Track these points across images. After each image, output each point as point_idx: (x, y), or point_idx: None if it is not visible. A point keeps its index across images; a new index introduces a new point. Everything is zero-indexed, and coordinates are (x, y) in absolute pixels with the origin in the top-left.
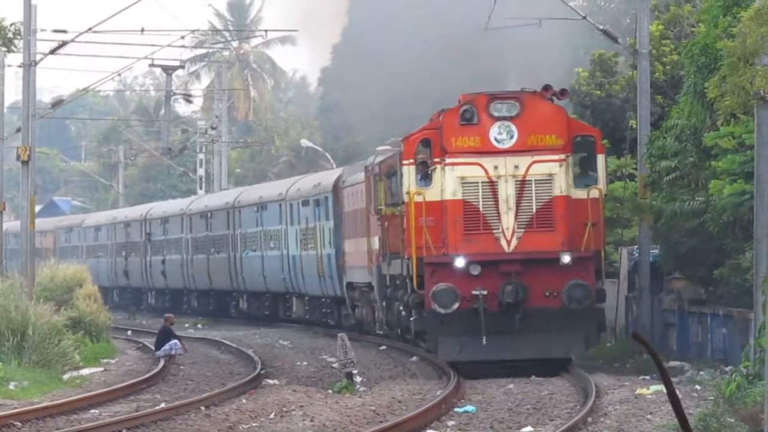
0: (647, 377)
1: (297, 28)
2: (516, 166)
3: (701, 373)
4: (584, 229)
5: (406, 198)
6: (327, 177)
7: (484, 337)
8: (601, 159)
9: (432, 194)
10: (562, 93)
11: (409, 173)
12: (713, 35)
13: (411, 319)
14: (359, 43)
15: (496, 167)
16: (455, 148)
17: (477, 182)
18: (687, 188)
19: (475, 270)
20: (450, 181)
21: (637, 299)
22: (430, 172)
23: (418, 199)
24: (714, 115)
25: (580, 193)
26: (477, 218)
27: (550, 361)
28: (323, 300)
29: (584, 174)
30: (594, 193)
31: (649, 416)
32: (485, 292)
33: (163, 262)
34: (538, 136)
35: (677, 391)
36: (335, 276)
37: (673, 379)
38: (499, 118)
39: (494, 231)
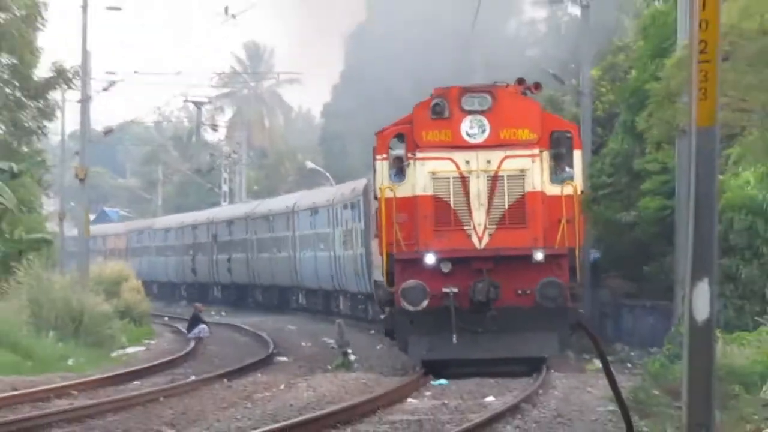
0: (588, 357)
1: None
2: (488, 161)
3: (632, 354)
4: (559, 225)
5: (378, 194)
6: (361, 182)
7: (455, 336)
8: (578, 155)
9: (404, 190)
10: (536, 87)
11: (382, 168)
12: (642, 79)
13: (381, 316)
14: (354, 83)
15: (467, 162)
16: (426, 142)
17: (448, 177)
18: (621, 203)
19: (446, 267)
20: (421, 177)
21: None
22: (404, 167)
23: (389, 194)
24: (642, 143)
25: (555, 189)
26: (448, 214)
27: (523, 361)
28: (359, 296)
29: (561, 170)
30: (568, 189)
31: (589, 389)
32: (456, 290)
33: (229, 260)
34: (511, 131)
35: (612, 369)
36: (366, 274)
37: (609, 358)
38: (470, 112)
39: (465, 227)
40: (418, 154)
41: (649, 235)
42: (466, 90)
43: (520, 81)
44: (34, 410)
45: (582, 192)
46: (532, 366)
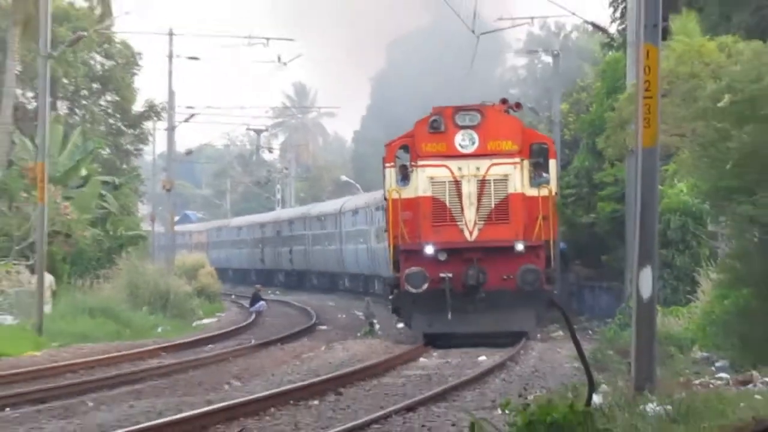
0: (558, 326)
1: (338, 106)
2: (477, 168)
3: (592, 323)
4: (536, 222)
5: (387, 195)
6: None
7: (450, 313)
8: (552, 163)
9: (408, 192)
10: (517, 106)
11: (390, 174)
12: (600, 111)
13: (390, 297)
14: (378, 115)
15: (460, 168)
16: (425, 152)
17: (444, 181)
18: (583, 207)
19: (442, 256)
20: (422, 181)
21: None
22: (409, 173)
23: (395, 196)
24: (600, 161)
25: (533, 191)
26: (444, 212)
27: (506, 334)
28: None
29: (538, 175)
30: (544, 192)
31: (558, 350)
32: (451, 275)
33: (290, 251)
34: (496, 142)
35: (577, 335)
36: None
37: (575, 327)
38: (462, 127)
39: (458, 223)
40: (419, 162)
41: (604, 232)
42: (458, 109)
43: (504, 101)
44: (133, 367)
45: (556, 194)
46: (513, 339)
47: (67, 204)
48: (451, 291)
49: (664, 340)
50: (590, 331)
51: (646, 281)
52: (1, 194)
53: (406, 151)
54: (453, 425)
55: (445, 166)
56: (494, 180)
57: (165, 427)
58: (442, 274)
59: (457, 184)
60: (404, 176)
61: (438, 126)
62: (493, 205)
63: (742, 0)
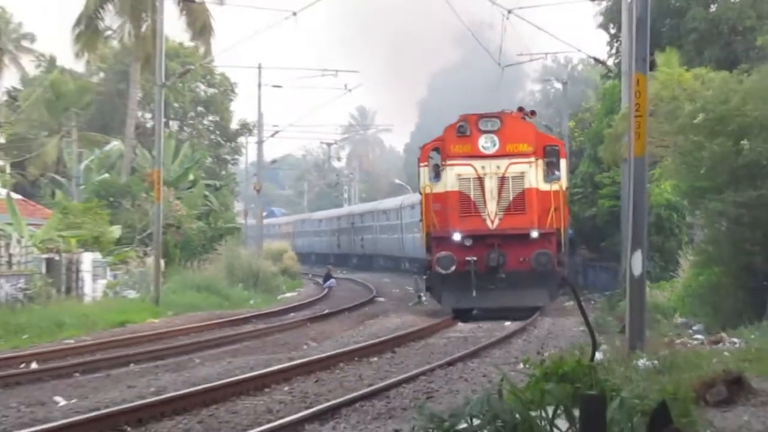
0: (568, 297)
1: (392, 124)
2: (498, 167)
3: (594, 295)
4: (549, 212)
5: (422, 191)
6: None
7: (474, 291)
8: (563, 162)
9: (439, 187)
10: (532, 113)
11: (423, 173)
12: (600, 127)
13: (423, 277)
14: (423, 131)
15: (483, 167)
16: (453, 153)
17: (469, 178)
18: (587, 204)
19: (468, 242)
20: (450, 178)
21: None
22: (440, 171)
23: (428, 191)
24: (600, 167)
25: (546, 186)
26: (469, 204)
27: (523, 309)
28: None
29: (551, 173)
30: (555, 187)
31: (568, 318)
32: (475, 258)
33: (362, 239)
34: (514, 145)
35: (583, 305)
36: None
37: (581, 299)
38: (485, 132)
39: (482, 214)
40: (448, 162)
41: (604, 223)
42: (481, 116)
43: (520, 109)
44: (231, 331)
45: (567, 189)
46: (529, 312)
47: (178, 202)
48: (476, 272)
49: (651, 308)
50: (593, 302)
51: (637, 262)
52: (125, 194)
53: (437, 152)
54: (484, 376)
55: (470, 165)
56: (512, 177)
57: (257, 379)
58: (467, 258)
59: (480, 180)
60: (436, 174)
61: (464, 130)
62: (511, 198)
63: (712, 39)
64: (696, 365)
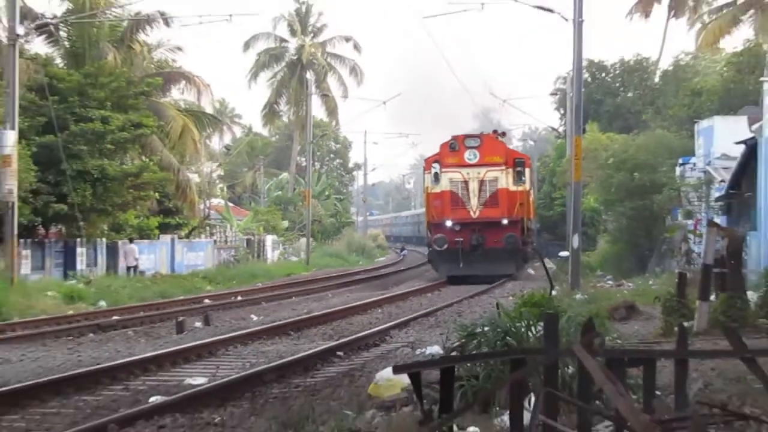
0: (536, 262)
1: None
2: (478, 173)
3: (551, 260)
4: (516, 206)
5: (425, 191)
6: None
7: (461, 263)
8: (528, 171)
9: (436, 188)
10: (503, 134)
11: (426, 178)
12: (554, 165)
13: (426, 253)
14: None
15: (468, 173)
16: (447, 163)
17: (458, 181)
18: (547, 207)
19: (457, 227)
20: (445, 181)
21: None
22: (438, 177)
23: (429, 191)
24: (554, 188)
25: (515, 188)
26: (458, 200)
27: (497, 276)
28: None
29: (518, 178)
30: (521, 188)
31: (532, 272)
32: (462, 239)
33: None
34: (490, 157)
35: (547, 266)
36: None
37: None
38: (469, 147)
39: (467, 207)
40: (443, 170)
41: (557, 219)
42: (467, 136)
43: (495, 131)
44: (349, 278)
45: (530, 190)
46: (500, 278)
47: (319, 207)
48: (462, 249)
49: (583, 267)
50: (552, 265)
51: (575, 240)
52: (290, 203)
53: (436, 163)
54: (490, 305)
55: (458, 172)
56: (489, 180)
57: (363, 305)
58: (456, 239)
59: (466, 183)
60: (435, 179)
61: (455, 147)
62: (488, 196)
63: (617, 116)
64: (608, 298)
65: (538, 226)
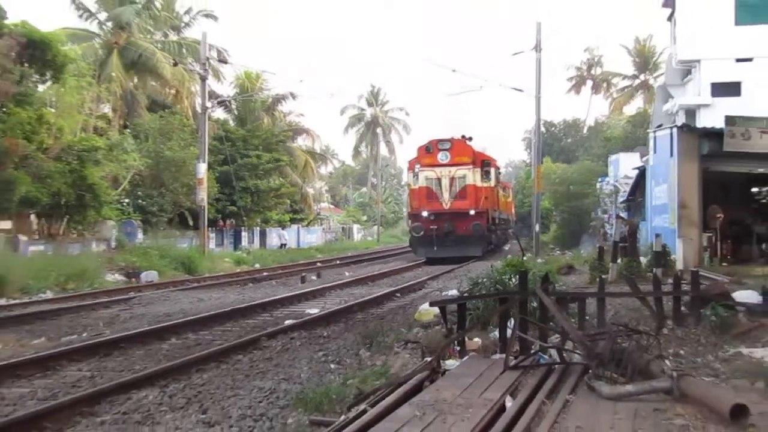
0: (513, 240)
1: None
2: (449, 171)
3: (523, 241)
4: (481, 199)
5: (407, 187)
6: None
7: (435, 247)
8: (493, 170)
9: (415, 184)
10: (470, 138)
11: (409, 177)
12: (524, 183)
13: (408, 238)
14: None
15: (440, 172)
16: (424, 163)
17: (432, 178)
18: (521, 208)
19: (432, 217)
20: (422, 179)
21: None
22: (417, 175)
23: (411, 187)
24: (525, 196)
25: (482, 184)
26: (432, 194)
27: (466, 258)
28: None
29: (485, 176)
30: (487, 185)
31: (506, 249)
32: (436, 227)
33: None
34: (459, 158)
35: (522, 247)
36: None
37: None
38: (441, 150)
39: (440, 199)
40: (420, 169)
41: (526, 214)
42: (439, 140)
43: (463, 136)
44: (401, 251)
45: (495, 187)
46: (470, 259)
47: (384, 207)
48: (436, 235)
49: (542, 243)
50: (522, 243)
51: (537, 227)
52: (367, 206)
53: (417, 163)
54: (489, 266)
55: (433, 171)
56: (458, 177)
57: (412, 266)
58: (431, 227)
59: (439, 180)
60: (415, 177)
61: (430, 149)
62: (457, 191)
63: (563, 152)
64: (557, 261)
65: (515, 219)
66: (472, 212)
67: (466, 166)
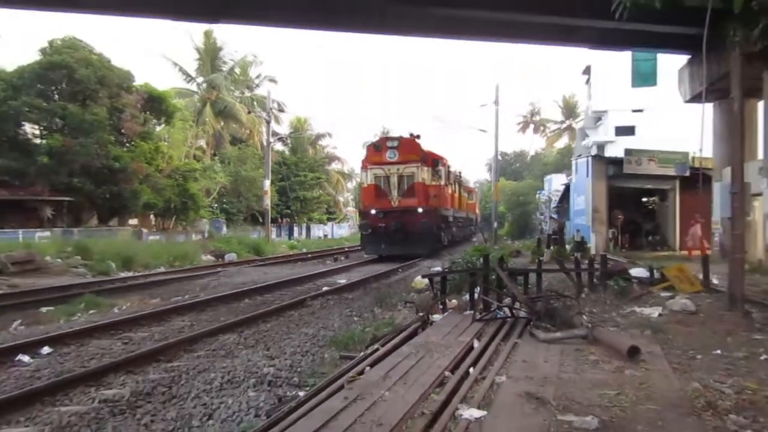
0: (478, 233)
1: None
2: (398, 169)
3: (485, 234)
4: (430, 197)
5: (359, 185)
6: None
7: (383, 244)
8: (443, 169)
9: (366, 182)
10: (418, 137)
11: (361, 175)
12: (487, 193)
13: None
14: None
15: (389, 169)
16: (373, 162)
17: (381, 176)
18: (484, 211)
19: (380, 215)
20: (371, 176)
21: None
22: (367, 173)
23: (362, 185)
24: (488, 201)
25: (431, 182)
26: (380, 191)
27: (414, 255)
28: None
29: (435, 174)
30: (436, 183)
31: (475, 239)
32: (384, 225)
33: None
34: (408, 155)
35: (486, 238)
36: None
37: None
38: (390, 148)
39: (389, 197)
40: (369, 167)
41: (488, 216)
42: (387, 138)
43: (411, 134)
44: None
45: (444, 185)
46: (418, 257)
47: None
48: (385, 233)
49: (498, 235)
50: (484, 237)
51: (494, 225)
52: None
53: (367, 161)
54: (464, 251)
55: (381, 168)
56: (406, 175)
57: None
58: (380, 224)
59: (387, 177)
60: (366, 175)
61: (378, 147)
62: (405, 188)
63: (513, 174)
64: (509, 248)
65: (480, 218)
66: (420, 210)
67: (414, 163)
